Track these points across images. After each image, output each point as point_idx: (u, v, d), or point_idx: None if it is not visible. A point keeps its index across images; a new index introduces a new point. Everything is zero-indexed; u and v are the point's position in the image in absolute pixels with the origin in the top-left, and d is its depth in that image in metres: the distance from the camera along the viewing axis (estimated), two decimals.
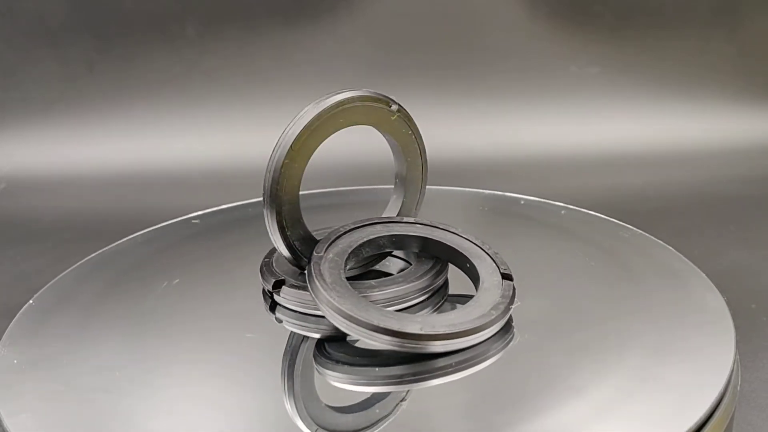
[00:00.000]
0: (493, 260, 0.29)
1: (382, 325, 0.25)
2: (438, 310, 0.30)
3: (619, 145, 0.71)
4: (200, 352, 0.29)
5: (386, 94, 0.31)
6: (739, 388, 0.27)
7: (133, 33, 0.72)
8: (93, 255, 0.37)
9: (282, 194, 0.28)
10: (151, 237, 0.40)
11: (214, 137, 0.72)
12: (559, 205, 0.43)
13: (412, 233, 0.30)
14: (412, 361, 0.26)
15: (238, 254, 0.37)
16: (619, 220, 0.40)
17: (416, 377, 0.25)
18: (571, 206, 0.42)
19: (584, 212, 0.41)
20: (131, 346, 0.29)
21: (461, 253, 0.30)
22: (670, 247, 0.36)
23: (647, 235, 0.38)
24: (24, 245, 0.57)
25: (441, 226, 0.31)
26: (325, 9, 0.73)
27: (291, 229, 0.29)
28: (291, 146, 0.28)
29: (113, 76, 0.72)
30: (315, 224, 0.30)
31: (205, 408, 0.25)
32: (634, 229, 0.38)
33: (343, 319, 0.25)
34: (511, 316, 0.28)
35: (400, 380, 0.25)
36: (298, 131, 0.28)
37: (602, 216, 0.40)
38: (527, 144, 0.72)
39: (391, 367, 0.26)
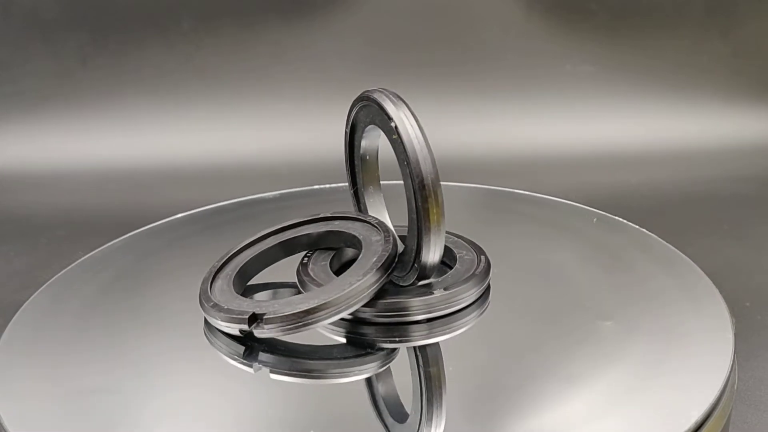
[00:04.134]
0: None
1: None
2: None
3: (614, 143, 0.71)
4: (201, 350, 0.28)
5: (393, 105, 0.26)
6: (736, 386, 0.27)
7: (128, 27, 0.72)
8: (92, 253, 0.37)
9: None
10: (151, 234, 0.39)
11: (210, 133, 0.71)
12: (557, 201, 0.43)
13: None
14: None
15: None
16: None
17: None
18: (569, 201, 0.42)
19: (583, 207, 0.41)
20: (132, 345, 0.29)
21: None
22: (669, 245, 0.36)
23: (647, 231, 0.38)
24: (17, 242, 0.57)
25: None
26: (321, 6, 0.73)
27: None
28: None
29: (108, 70, 0.72)
30: None
31: (207, 408, 0.25)
32: (634, 225, 0.38)
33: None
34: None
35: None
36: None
37: (602, 212, 0.40)
38: (521, 142, 0.72)
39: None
